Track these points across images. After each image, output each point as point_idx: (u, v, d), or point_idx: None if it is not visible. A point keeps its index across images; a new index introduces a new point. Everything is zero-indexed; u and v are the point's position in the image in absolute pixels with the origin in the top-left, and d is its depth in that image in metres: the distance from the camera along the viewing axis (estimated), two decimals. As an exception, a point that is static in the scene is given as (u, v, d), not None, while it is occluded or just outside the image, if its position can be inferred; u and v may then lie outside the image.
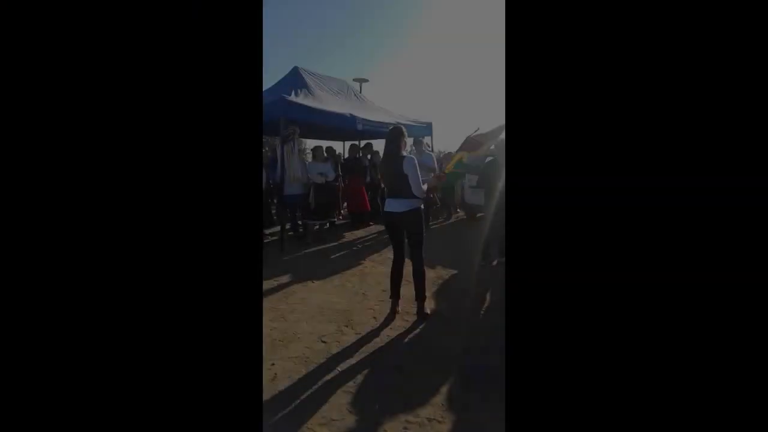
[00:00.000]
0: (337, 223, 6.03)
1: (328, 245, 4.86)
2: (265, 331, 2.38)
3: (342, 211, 6.41)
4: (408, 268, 2.67)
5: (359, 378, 1.89)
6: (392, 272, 2.69)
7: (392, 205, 2.54)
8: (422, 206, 2.59)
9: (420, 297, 2.61)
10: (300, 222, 5.33)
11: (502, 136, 3.60)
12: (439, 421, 1.58)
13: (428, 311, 2.64)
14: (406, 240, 2.63)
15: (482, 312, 2.73)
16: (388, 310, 2.69)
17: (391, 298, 2.71)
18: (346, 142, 7.52)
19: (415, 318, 2.59)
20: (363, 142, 6.84)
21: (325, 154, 5.58)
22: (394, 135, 2.58)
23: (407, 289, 3.14)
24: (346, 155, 6.40)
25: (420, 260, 2.58)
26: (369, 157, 6.36)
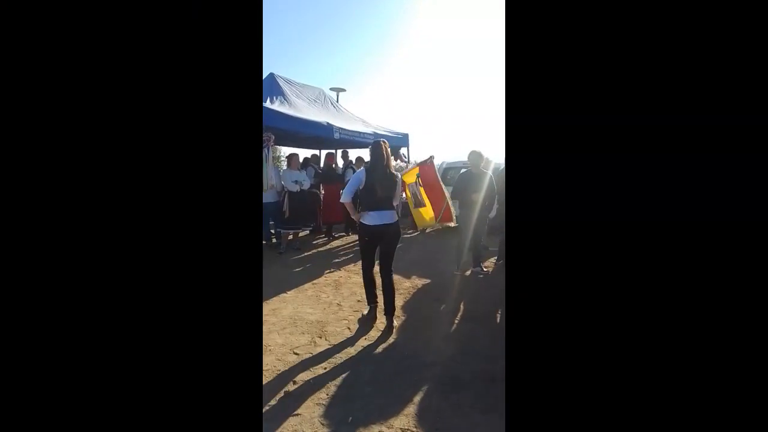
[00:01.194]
0: (314, 231, 5.95)
1: (301, 255, 4.78)
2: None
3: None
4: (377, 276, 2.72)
5: (332, 389, 1.86)
6: (369, 278, 2.71)
7: (385, 217, 2.55)
8: None
9: (392, 311, 2.61)
10: (273, 231, 5.22)
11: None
12: (414, 431, 1.57)
13: (395, 324, 2.64)
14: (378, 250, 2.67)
15: (456, 321, 2.76)
16: (364, 319, 2.67)
17: (370, 304, 2.72)
18: (322, 151, 7.49)
19: (389, 329, 2.58)
20: (339, 151, 6.83)
21: (301, 162, 5.53)
22: (383, 148, 2.58)
23: (381, 299, 3.13)
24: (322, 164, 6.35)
25: (391, 271, 2.65)
26: (353, 163, 6.27)
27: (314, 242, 5.58)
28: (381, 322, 2.67)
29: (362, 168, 2.65)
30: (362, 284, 2.78)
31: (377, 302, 2.73)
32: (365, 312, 2.75)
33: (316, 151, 7.51)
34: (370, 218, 2.55)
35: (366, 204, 2.57)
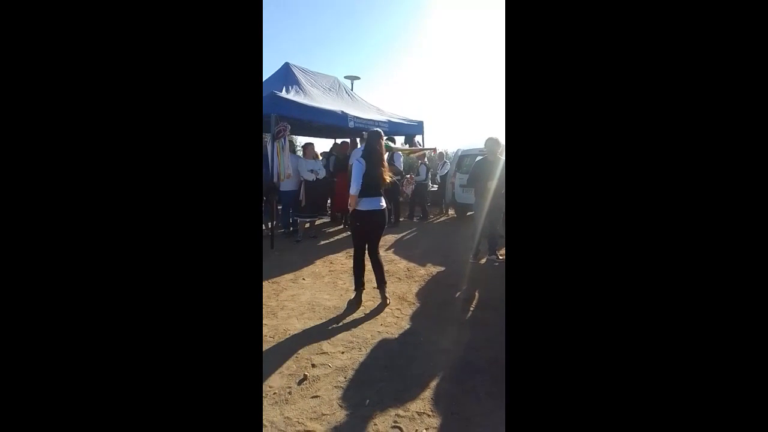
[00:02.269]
0: (333, 220, 6.01)
1: (318, 243, 4.85)
2: (256, 327, 2.37)
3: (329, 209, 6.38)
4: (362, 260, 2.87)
5: (350, 373, 1.91)
6: (361, 264, 2.80)
7: (377, 203, 2.73)
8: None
9: (384, 284, 2.84)
10: (290, 219, 5.31)
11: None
12: (429, 415, 1.61)
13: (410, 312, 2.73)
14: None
15: (471, 308, 2.78)
16: (375, 306, 2.72)
17: (357, 289, 2.80)
18: (337, 140, 7.50)
19: (404, 315, 2.62)
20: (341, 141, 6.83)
21: (317, 152, 5.56)
22: (377, 137, 2.74)
23: (396, 287, 3.17)
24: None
25: (378, 252, 2.87)
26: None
27: (330, 231, 5.65)
28: (396, 308, 2.72)
29: (359, 157, 2.69)
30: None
31: (364, 287, 2.84)
32: (352, 297, 2.82)
33: (338, 141, 7.54)
34: (366, 204, 2.69)
35: (363, 191, 2.66)
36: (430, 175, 7.13)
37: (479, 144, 5.07)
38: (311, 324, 2.49)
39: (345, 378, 1.87)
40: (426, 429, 1.53)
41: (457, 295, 3.05)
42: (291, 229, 5.28)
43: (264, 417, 1.59)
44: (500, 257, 3.96)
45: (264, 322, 2.50)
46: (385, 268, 2.92)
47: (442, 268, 3.72)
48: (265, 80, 5.80)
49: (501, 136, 3.83)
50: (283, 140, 4.58)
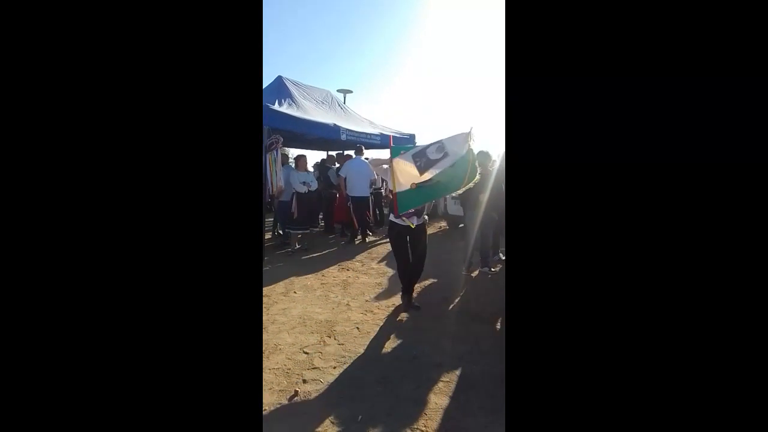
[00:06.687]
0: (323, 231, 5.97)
1: (310, 255, 4.81)
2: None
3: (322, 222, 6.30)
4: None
5: (341, 389, 1.88)
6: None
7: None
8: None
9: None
10: (281, 231, 5.27)
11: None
12: (422, 430, 1.58)
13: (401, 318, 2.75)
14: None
15: (464, 321, 2.76)
16: (368, 320, 2.69)
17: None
18: (329, 152, 7.53)
19: (398, 328, 2.60)
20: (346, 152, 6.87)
21: (310, 164, 5.57)
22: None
23: (390, 300, 3.15)
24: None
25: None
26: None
27: (323, 243, 5.61)
28: (388, 323, 2.69)
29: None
30: (370, 284, 2.81)
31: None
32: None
33: (331, 153, 7.56)
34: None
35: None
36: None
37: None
38: (302, 338, 2.45)
39: (337, 393, 1.84)
40: (420, 445, 1.51)
41: (450, 307, 3.03)
42: (282, 240, 5.23)
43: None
44: (492, 269, 3.97)
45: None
46: (378, 281, 2.89)
47: (435, 280, 3.72)
48: (258, 93, 5.81)
49: (491, 150, 3.89)
50: (275, 152, 4.59)
